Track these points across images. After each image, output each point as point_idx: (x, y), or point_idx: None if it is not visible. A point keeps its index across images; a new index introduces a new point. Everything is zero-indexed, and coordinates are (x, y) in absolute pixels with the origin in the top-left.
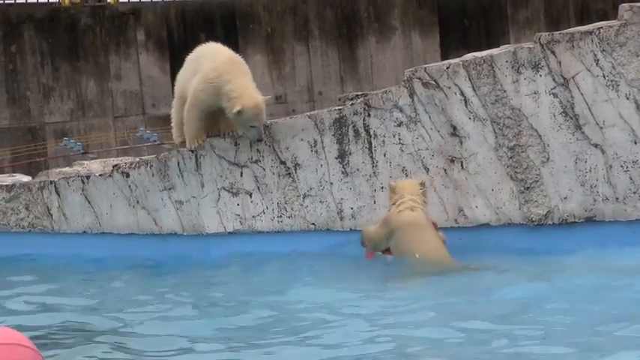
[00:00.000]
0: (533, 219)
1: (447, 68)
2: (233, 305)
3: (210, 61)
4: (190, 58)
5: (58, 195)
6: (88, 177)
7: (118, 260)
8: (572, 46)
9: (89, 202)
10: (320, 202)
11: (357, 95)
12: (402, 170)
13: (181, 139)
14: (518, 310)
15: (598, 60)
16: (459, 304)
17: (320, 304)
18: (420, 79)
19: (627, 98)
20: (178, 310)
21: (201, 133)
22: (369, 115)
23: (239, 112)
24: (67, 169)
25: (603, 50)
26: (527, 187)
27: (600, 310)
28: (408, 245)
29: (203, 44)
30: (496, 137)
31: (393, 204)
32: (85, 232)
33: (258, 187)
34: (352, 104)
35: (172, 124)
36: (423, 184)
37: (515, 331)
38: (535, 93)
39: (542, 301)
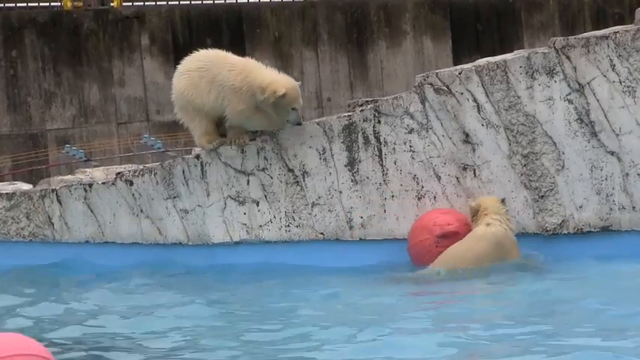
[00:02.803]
0: (548, 228)
1: (460, 74)
2: (237, 316)
3: (228, 70)
4: (190, 69)
5: (60, 203)
6: (90, 185)
7: (121, 271)
8: (588, 51)
9: (92, 210)
10: (329, 211)
11: (366, 101)
12: (414, 178)
13: (212, 146)
14: (529, 318)
15: (614, 65)
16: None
17: (325, 314)
18: (431, 84)
19: None
20: (183, 321)
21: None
22: (379, 121)
23: (284, 95)
24: (69, 176)
25: (619, 55)
26: (542, 196)
27: (615, 320)
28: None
29: (194, 53)
30: (510, 144)
31: (482, 221)
32: (87, 241)
33: (266, 196)
34: (362, 110)
35: (196, 136)
36: (504, 202)
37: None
38: (550, 99)
39: (554, 312)
